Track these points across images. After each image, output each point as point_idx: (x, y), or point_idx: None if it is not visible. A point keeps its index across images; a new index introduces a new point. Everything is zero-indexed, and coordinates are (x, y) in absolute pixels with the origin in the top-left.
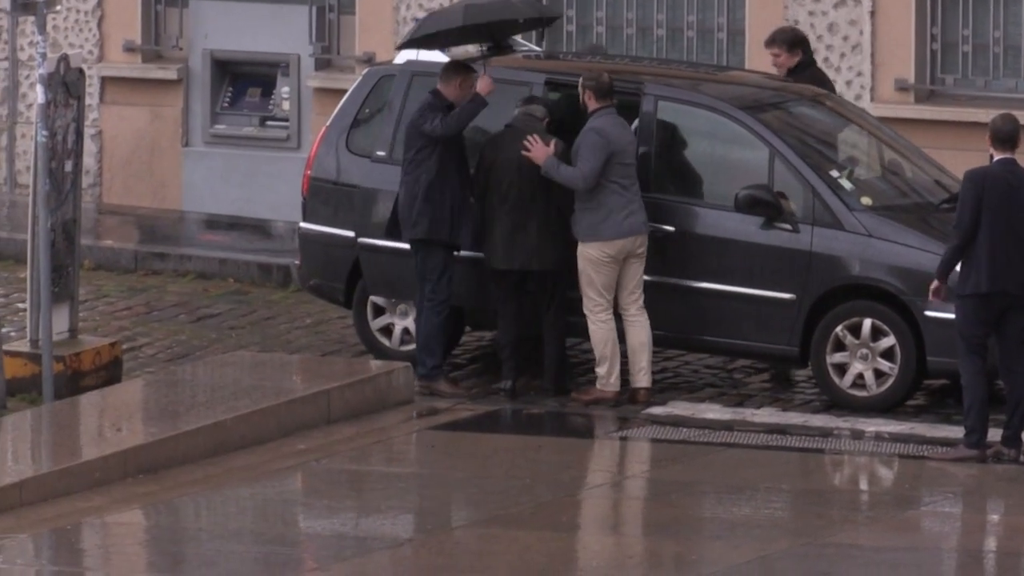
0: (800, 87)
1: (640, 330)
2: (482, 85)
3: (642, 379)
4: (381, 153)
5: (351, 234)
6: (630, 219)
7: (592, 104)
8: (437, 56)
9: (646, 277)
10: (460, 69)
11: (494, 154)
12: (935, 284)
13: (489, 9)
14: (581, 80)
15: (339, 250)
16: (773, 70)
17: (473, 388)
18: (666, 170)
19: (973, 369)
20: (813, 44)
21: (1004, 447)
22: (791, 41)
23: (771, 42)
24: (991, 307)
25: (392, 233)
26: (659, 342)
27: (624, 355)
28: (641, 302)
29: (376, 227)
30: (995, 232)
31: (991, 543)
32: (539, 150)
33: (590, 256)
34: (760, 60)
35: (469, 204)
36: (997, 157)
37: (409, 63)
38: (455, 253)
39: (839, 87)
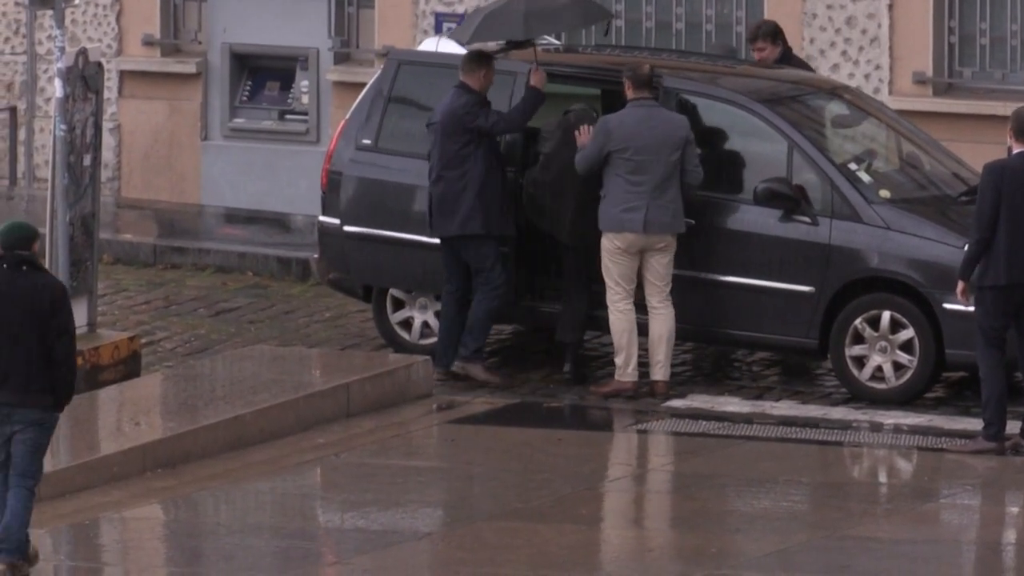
0: (820, 79)
1: (660, 323)
2: (536, 79)
3: (658, 372)
4: (366, 141)
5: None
6: (629, 215)
7: (629, 94)
8: (453, 47)
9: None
10: (483, 60)
11: (566, 138)
12: (960, 286)
13: (549, 18)
14: (624, 70)
15: None
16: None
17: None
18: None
19: (992, 362)
20: (831, 37)
21: (1023, 439)
22: (773, 33)
23: (754, 38)
24: (1010, 299)
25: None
26: (679, 335)
27: (645, 347)
28: (665, 294)
29: (361, 214)
30: (1014, 224)
31: (1010, 536)
32: (584, 137)
33: (605, 245)
34: None
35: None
36: (1016, 150)
37: (395, 51)
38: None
39: (857, 80)
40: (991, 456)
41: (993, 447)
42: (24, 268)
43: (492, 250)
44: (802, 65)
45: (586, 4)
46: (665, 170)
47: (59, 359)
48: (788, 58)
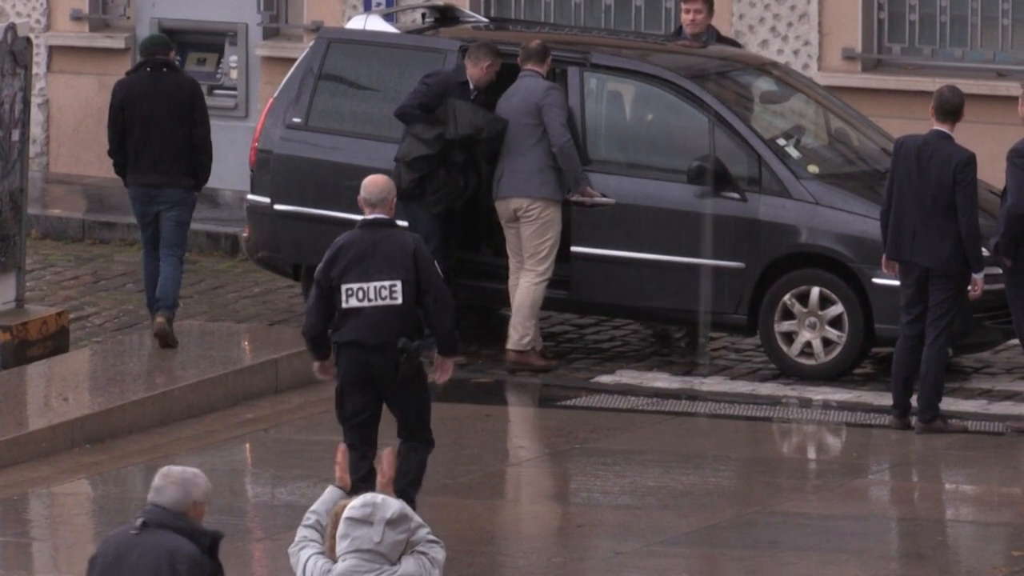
0: (748, 55)
1: (518, 292)
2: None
3: (508, 341)
4: (296, 120)
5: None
6: (494, 183)
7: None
8: (381, 25)
9: (593, 250)
10: (492, 53)
11: None
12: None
13: None
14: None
15: None
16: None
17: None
18: (613, 141)
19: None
20: (760, 13)
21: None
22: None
23: None
24: (905, 274)
25: None
26: (609, 312)
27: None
28: (529, 265)
29: (289, 193)
30: (899, 201)
31: (937, 511)
32: None
33: None
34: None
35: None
36: (934, 128)
37: (326, 30)
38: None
39: (786, 56)
40: (927, 434)
41: (895, 423)
42: (164, 70)
43: (425, 227)
44: (728, 42)
45: None
46: (517, 134)
47: (199, 144)
48: (713, 31)
